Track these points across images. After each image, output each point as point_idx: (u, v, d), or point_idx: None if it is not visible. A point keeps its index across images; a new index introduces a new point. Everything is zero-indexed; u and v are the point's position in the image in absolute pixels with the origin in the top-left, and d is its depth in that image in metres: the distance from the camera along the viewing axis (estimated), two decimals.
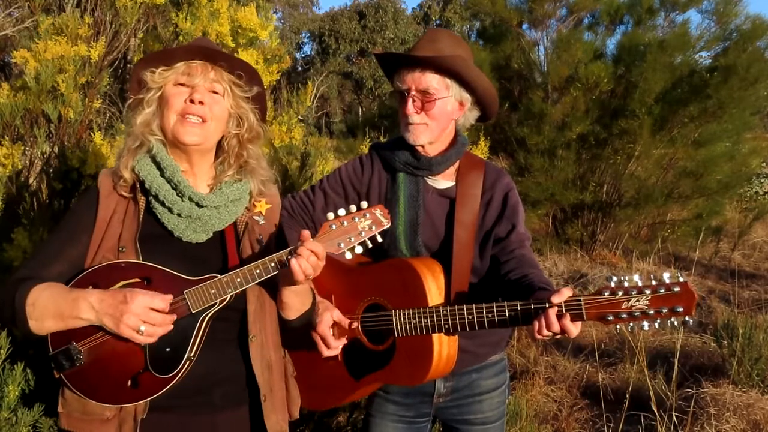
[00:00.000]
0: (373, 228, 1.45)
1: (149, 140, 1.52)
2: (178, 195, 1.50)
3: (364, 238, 1.46)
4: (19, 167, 2.56)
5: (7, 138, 2.56)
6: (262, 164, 1.64)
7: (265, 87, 1.76)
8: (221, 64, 1.55)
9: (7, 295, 1.44)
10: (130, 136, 1.54)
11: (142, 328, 1.37)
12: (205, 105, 1.50)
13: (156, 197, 1.51)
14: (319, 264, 1.44)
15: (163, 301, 1.40)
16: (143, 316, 1.37)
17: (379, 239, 1.48)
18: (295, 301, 1.59)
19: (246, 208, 1.62)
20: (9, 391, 1.85)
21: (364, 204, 1.47)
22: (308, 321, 1.68)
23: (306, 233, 1.44)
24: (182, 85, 1.51)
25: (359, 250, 1.47)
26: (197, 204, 1.51)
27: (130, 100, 1.57)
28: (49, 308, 1.40)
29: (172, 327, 1.41)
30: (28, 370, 1.92)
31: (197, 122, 1.50)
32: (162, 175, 1.51)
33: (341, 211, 1.46)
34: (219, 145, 1.61)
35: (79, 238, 1.50)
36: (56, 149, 2.66)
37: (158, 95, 1.52)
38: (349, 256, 1.46)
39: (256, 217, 1.63)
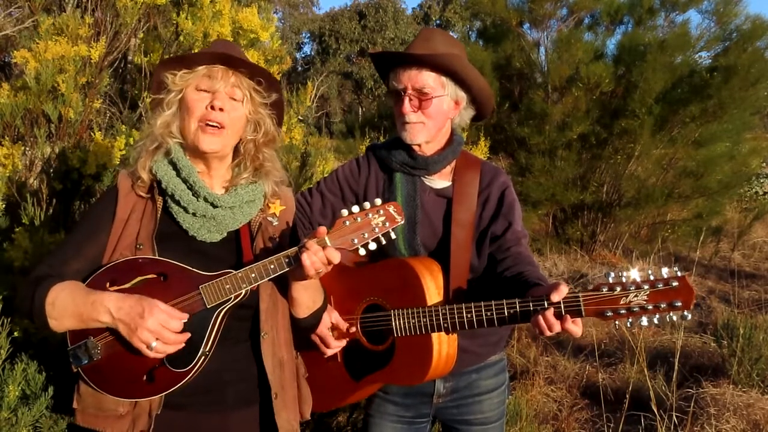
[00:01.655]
0: (387, 224, 1.47)
1: (168, 142, 1.54)
2: (193, 195, 1.53)
3: (378, 234, 1.47)
4: (20, 167, 2.56)
5: (7, 138, 2.57)
6: (276, 166, 1.67)
7: None
8: (241, 70, 1.57)
9: (27, 291, 1.47)
10: (149, 137, 1.56)
11: (154, 344, 1.39)
12: (225, 111, 1.52)
13: (172, 197, 1.53)
14: (333, 261, 1.46)
15: (179, 321, 1.42)
16: (157, 333, 1.39)
17: (393, 236, 1.49)
18: (305, 297, 1.60)
19: (260, 209, 1.64)
20: (9, 391, 1.85)
21: (378, 201, 1.48)
22: (319, 320, 1.70)
23: (322, 229, 1.45)
24: (203, 90, 1.53)
25: (373, 246, 1.48)
26: (212, 204, 1.53)
27: (150, 100, 1.60)
28: (68, 309, 1.43)
29: (183, 345, 1.43)
30: (29, 370, 1.92)
31: (216, 128, 1.52)
32: (178, 175, 1.53)
33: (355, 208, 1.47)
34: (236, 148, 1.63)
35: (98, 237, 1.53)
36: (56, 149, 2.66)
37: (179, 98, 1.55)
38: (362, 252, 1.48)
39: (269, 218, 1.65)
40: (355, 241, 1.46)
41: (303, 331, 1.68)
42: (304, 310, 1.62)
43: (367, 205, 1.47)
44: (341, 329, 1.79)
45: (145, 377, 1.45)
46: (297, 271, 1.48)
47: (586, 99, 7.36)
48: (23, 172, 2.64)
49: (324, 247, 1.45)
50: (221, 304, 1.48)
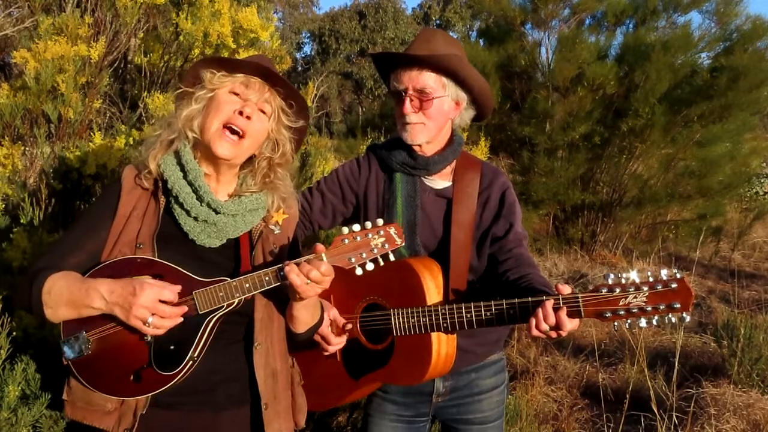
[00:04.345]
0: (386, 246, 1.45)
1: (187, 135, 1.55)
2: (197, 199, 1.53)
3: (376, 255, 1.45)
4: (19, 167, 2.56)
5: (7, 138, 2.57)
6: (286, 183, 1.66)
7: None
8: (278, 89, 1.58)
9: (25, 283, 1.48)
10: (170, 127, 1.57)
11: (150, 319, 1.39)
12: (251, 121, 1.53)
13: (176, 198, 1.53)
14: (324, 279, 1.44)
15: (171, 292, 1.42)
16: (152, 308, 1.39)
17: (392, 257, 1.47)
18: (305, 315, 1.60)
19: (263, 217, 1.64)
20: (9, 391, 1.85)
21: (380, 221, 1.47)
22: (314, 334, 1.69)
23: (320, 247, 1.44)
24: (236, 95, 1.54)
25: (370, 267, 1.46)
26: (214, 210, 1.53)
27: (180, 91, 1.60)
28: (63, 296, 1.44)
29: (181, 320, 1.43)
30: (29, 370, 1.92)
31: (234, 138, 1.53)
32: (185, 177, 1.53)
33: (356, 227, 1.45)
34: (249, 159, 1.63)
35: (98, 231, 1.53)
36: (56, 149, 2.66)
37: (210, 96, 1.55)
38: (359, 271, 1.45)
39: (271, 226, 1.64)
40: (353, 260, 1.44)
41: (297, 344, 1.67)
42: (302, 327, 1.62)
43: (368, 224, 1.46)
44: (339, 327, 1.79)
45: (131, 377, 1.45)
46: (293, 290, 1.47)
47: (589, 99, 7.36)
48: (23, 172, 2.64)
49: (317, 266, 1.42)
50: (213, 311, 1.47)
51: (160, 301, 1.41)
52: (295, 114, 1.63)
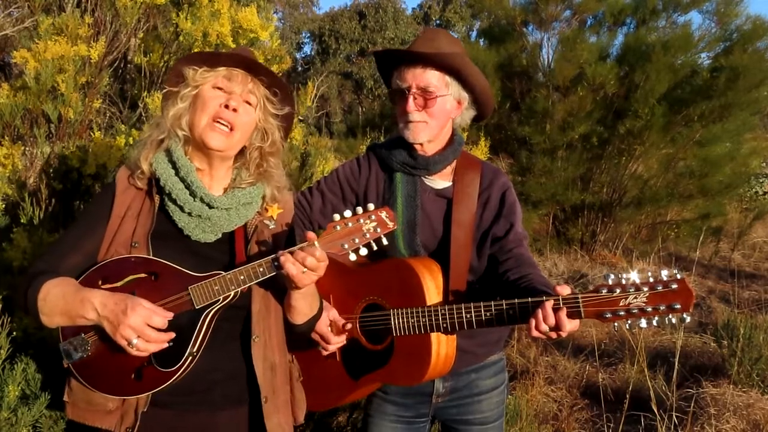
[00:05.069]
0: (378, 230, 1.45)
1: (176, 133, 1.56)
2: (190, 195, 1.53)
3: (369, 239, 1.46)
4: (19, 167, 2.56)
5: (7, 138, 2.57)
6: (280, 171, 1.68)
7: None
8: (261, 78, 1.59)
9: (22, 287, 1.49)
10: (159, 127, 1.58)
11: (135, 341, 1.39)
12: (238, 113, 1.54)
13: (169, 195, 1.54)
14: (319, 266, 1.44)
15: (162, 319, 1.42)
16: (139, 330, 1.39)
17: (385, 242, 1.47)
18: (303, 305, 1.60)
19: (257, 211, 1.64)
20: (9, 391, 1.85)
21: (371, 206, 1.47)
22: (313, 327, 1.69)
23: (311, 234, 1.44)
24: (219, 89, 1.55)
25: (364, 252, 1.47)
26: (208, 205, 1.54)
27: (165, 91, 1.62)
28: (59, 306, 1.44)
29: (167, 345, 1.43)
30: (28, 370, 1.92)
31: (226, 129, 1.54)
32: (177, 174, 1.54)
33: (347, 213, 1.46)
34: (241, 152, 1.64)
35: (95, 232, 1.55)
36: (56, 149, 2.66)
37: (194, 93, 1.56)
38: (353, 257, 1.47)
39: (266, 221, 1.65)
40: (345, 246, 1.45)
41: (296, 336, 1.68)
42: (301, 317, 1.62)
43: (359, 209, 1.46)
44: (338, 327, 1.79)
45: (133, 375, 1.46)
46: (289, 279, 1.47)
47: (589, 99, 7.36)
48: (23, 172, 2.64)
49: (312, 253, 1.42)
50: (210, 306, 1.48)
51: (149, 325, 1.40)
52: (281, 101, 1.64)
